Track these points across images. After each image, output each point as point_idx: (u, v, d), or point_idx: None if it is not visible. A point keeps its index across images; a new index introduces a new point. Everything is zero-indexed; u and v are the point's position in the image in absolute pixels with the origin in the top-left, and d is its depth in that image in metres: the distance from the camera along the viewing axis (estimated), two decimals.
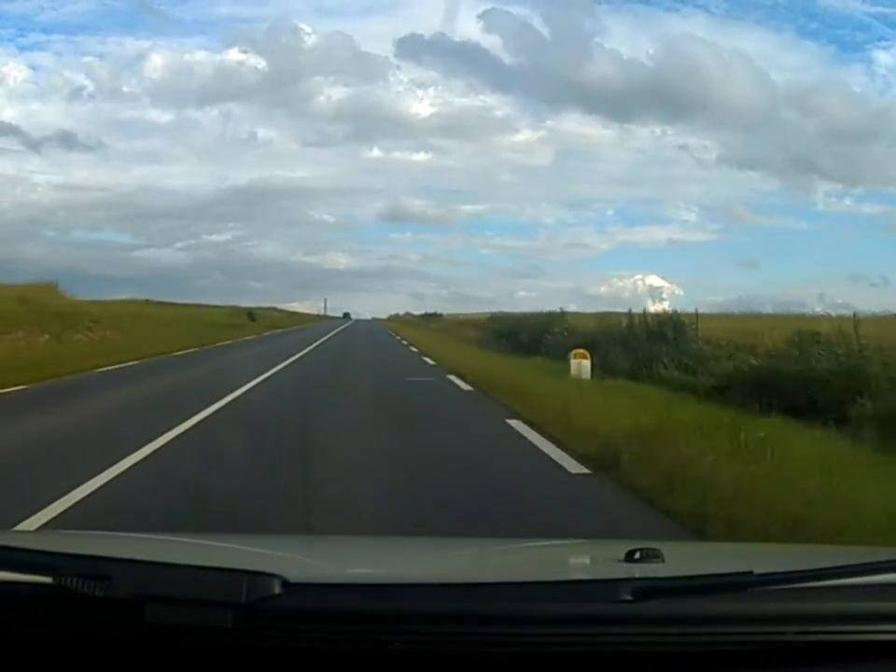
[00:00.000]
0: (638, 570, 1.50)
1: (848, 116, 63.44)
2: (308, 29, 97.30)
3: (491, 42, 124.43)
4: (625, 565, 1.53)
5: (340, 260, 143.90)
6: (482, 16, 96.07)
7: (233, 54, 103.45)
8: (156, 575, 1.28)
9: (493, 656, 1.27)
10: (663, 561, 1.54)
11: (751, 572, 1.32)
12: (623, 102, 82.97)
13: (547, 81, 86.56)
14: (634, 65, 70.48)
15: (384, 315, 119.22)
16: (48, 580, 1.28)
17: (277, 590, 1.25)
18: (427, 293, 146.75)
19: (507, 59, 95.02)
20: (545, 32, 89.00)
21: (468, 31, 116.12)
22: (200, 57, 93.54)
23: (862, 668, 1.31)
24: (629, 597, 1.28)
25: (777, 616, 1.31)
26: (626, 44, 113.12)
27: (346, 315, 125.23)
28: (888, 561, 1.46)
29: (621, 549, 1.59)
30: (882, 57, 72.72)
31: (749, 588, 1.32)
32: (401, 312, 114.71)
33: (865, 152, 72.80)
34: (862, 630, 1.31)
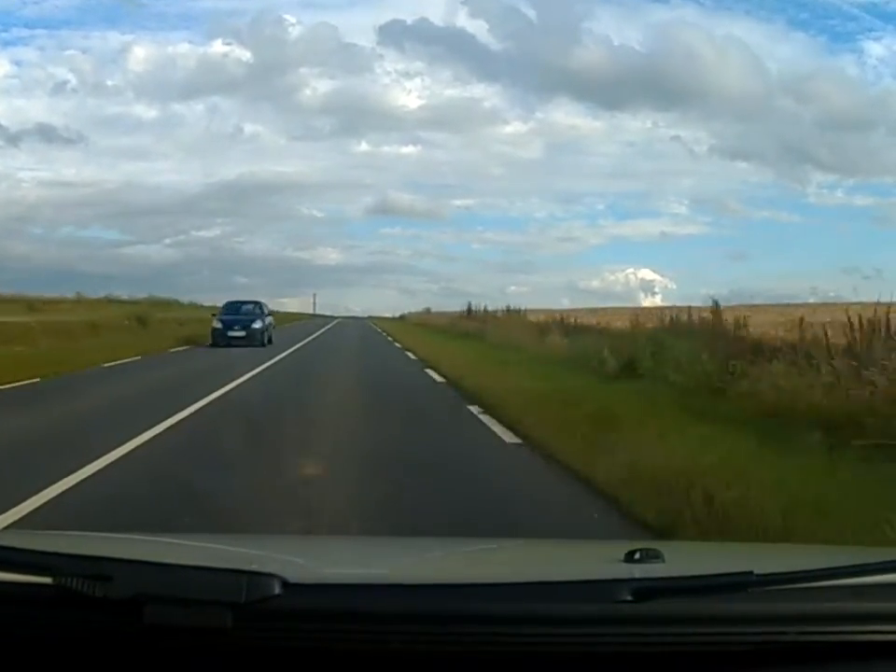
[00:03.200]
0: (638, 570, 1.50)
1: (841, 105, 63.29)
2: (292, 20, 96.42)
3: (476, 27, 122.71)
4: (625, 565, 1.53)
5: (330, 256, 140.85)
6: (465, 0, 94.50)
7: (217, 46, 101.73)
8: (156, 575, 1.29)
9: (493, 656, 1.27)
10: (663, 561, 1.54)
11: (751, 572, 1.32)
12: (614, 90, 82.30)
13: (535, 69, 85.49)
14: (624, 52, 69.72)
15: (386, 313, 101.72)
16: (48, 580, 1.28)
17: (277, 590, 1.25)
18: (418, 288, 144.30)
19: (494, 45, 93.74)
20: (532, 15, 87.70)
21: (452, 16, 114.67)
22: (183, 49, 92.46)
23: (862, 668, 1.31)
24: (629, 597, 1.28)
25: (776, 616, 1.31)
26: (616, 31, 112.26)
27: (248, 329, 26.35)
28: (888, 561, 1.45)
29: (621, 549, 1.59)
30: (874, 48, 72.72)
31: (749, 588, 1.31)
32: (429, 307, 71.07)
33: (859, 142, 72.57)
34: (862, 630, 1.31)
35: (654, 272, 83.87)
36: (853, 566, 1.43)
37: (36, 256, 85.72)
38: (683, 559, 1.94)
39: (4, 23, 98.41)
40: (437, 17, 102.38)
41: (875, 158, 64.08)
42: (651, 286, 76.27)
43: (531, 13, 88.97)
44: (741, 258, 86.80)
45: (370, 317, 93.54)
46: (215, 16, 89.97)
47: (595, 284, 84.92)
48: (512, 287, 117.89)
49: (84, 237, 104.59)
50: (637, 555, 1.54)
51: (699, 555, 2.24)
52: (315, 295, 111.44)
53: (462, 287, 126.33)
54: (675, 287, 74.59)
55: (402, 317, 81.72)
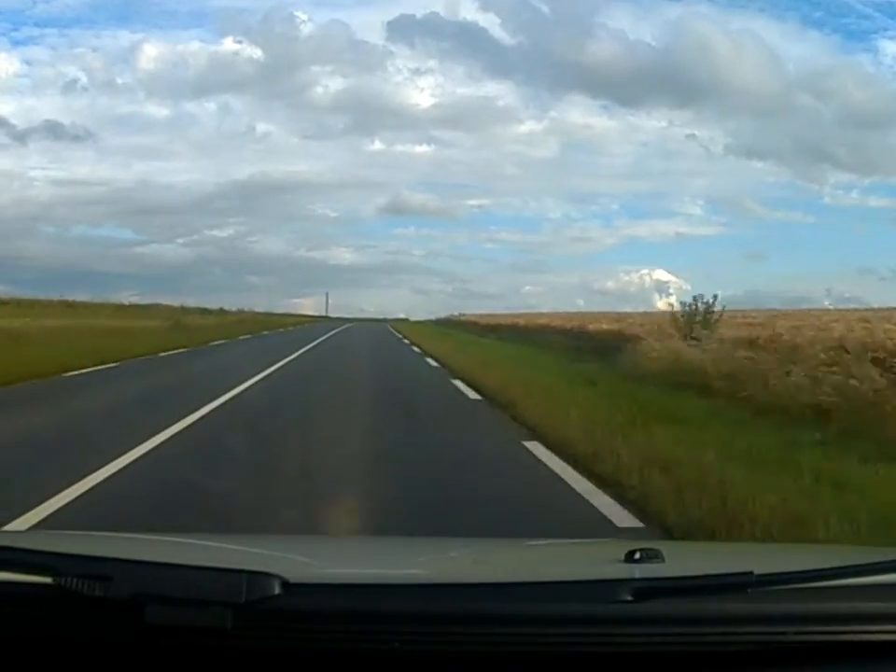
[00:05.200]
0: (638, 570, 1.50)
1: (858, 104, 63.05)
2: (303, 17, 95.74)
3: (488, 21, 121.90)
4: (625, 565, 1.53)
5: (343, 256, 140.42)
6: None
7: (228, 44, 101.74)
8: (156, 575, 1.29)
9: (493, 656, 1.27)
10: (663, 561, 1.54)
11: (751, 572, 1.32)
12: (629, 87, 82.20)
13: (549, 65, 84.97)
14: (639, 47, 69.24)
15: (400, 313, 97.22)
16: (48, 580, 1.28)
17: (277, 590, 1.26)
18: (432, 289, 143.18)
19: (506, 40, 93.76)
20: (545, 9, 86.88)
21: (462, 10, 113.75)
22: (194, 48, 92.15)
23: (862, 668, 1.31)
24: (629, 597, 1.28)
25: (777, 616, 1.31)
26: (630, 26, 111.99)
27: None
28: (888, 561, 1.46)
29: (621, 549, 1.59)
30: (888, 46, 72.53)
31: (749, 588, 1.32)
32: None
33: (876, 141, 72.40)
34: (862, 630, 1.31)
35: (669, 272, 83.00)
36: (853, 566, 1.43)
37: (50, 255, 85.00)
38: (683, 559, 1.94)
39: (14, 22, 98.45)
40: (447, 11, 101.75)
41: (892, 157, 63.67)
42: (665, 287, 76.07)
43: (544, 7, 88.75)
44: (756, 258, 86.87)
45: (387, 320, 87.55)
46: (225, 14, 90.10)
47: (610, 284, 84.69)
48: (527, 288, 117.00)
49: (97, 236, 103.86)
50: (637, 555, 1.54)
51: (699, 555, 2.24)
52: (327, 295, 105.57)
53: (476, 287, 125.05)
54: (689, 287, 74.32)
55: (444, 322, 63.07)
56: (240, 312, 69.72)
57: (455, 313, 71.35)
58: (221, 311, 65.24)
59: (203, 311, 59.09)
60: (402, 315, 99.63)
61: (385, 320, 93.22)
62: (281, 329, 51.73)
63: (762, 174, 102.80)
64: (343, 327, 59.52)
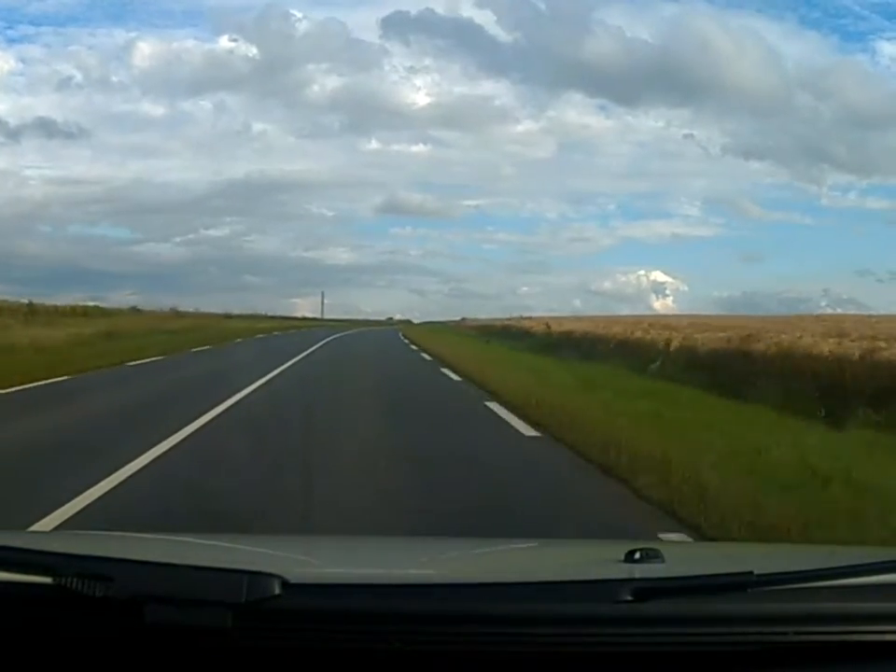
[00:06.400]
0: (638, 570, 1.50)
1: (856, 104, 62.83)
2: (299, 15, 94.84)
3: (484, 18, 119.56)
4: (625, 565, 1.53)
5: (340, 256, 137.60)
6: None
7: (223, 42, 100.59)
8: (156, 575, 1.29)
9: (493, 656, 1.27)
10: (663, 561, 1.54)
11: (751, 572, 1.32)
12: (626, 85, 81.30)
13: (546, 63, 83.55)
14: (637, 45, 68.30)
15: (397, 314, 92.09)
16: (48, 580, 1.28)
17: (277, 590, 1.26)
18: (429, 289, 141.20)
19: (503, 37, 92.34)
20: (541, 6, 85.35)
21: (458, 6, 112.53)
22: (189, 45, 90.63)
23: (862, 668, 1.31)
24: (629, 597, 1.28)
25: (777, 616, 1.31)
26: (628, 24, 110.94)
27: None
28: (888, 561, 1.46)
29: (621, 549, 1.59)
30: (885, 47, 72.33)
31: (749, 588, 1.32)
32: None
33: (874, 141, 72.29)
34: (862, 630, 1.31)
35: (666, 273, 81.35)
36: (853, 566, 1.43)
37: (46, 254, 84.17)
38: (683, 559, 1.94)
39: (9, 20, 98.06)
40: (442, 8, 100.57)
41: (890, 158, 63.48)
42: (662, 287, 75.77)
43: (540, 3, 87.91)
44: (754, 259, 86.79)
45: (392, 322, 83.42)
46: (220, 11, 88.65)
47: (607, 285, 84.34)
48: (524, 288, 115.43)
49: (93, 235, 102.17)
50: (637, 555, 1.54)
51: (699, 555, 2.24)
52: (322, 294, 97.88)
53: (473, 287, 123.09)
54: (686, 288, 73.81)
55: (495, 331, 38.18)
56: (174, 312, 48.29)
57: (515, 314, 47.64)
58: (135, 310, 47.70)
59: (93, 310, 41.12)
60: (399, 317, 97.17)
61: (388, 322, 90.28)
62: (141, 361, 19.03)
63: (759, 174, 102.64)
64: (328, 339, 35.58)
